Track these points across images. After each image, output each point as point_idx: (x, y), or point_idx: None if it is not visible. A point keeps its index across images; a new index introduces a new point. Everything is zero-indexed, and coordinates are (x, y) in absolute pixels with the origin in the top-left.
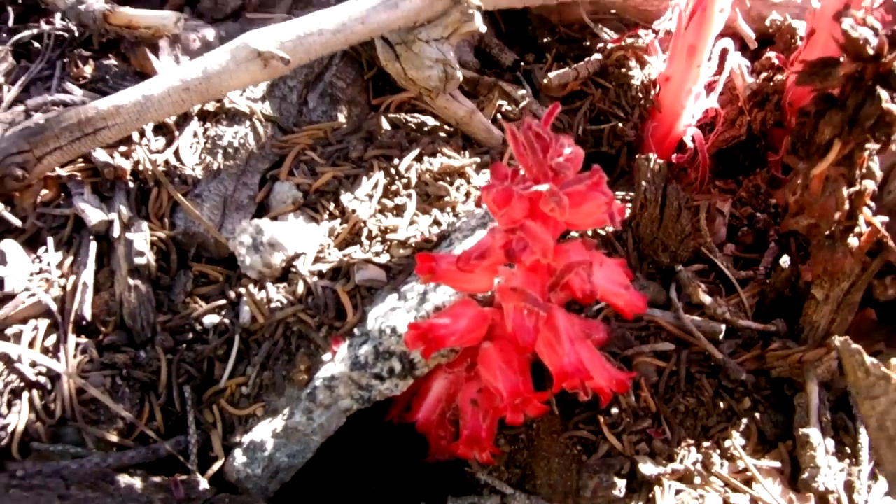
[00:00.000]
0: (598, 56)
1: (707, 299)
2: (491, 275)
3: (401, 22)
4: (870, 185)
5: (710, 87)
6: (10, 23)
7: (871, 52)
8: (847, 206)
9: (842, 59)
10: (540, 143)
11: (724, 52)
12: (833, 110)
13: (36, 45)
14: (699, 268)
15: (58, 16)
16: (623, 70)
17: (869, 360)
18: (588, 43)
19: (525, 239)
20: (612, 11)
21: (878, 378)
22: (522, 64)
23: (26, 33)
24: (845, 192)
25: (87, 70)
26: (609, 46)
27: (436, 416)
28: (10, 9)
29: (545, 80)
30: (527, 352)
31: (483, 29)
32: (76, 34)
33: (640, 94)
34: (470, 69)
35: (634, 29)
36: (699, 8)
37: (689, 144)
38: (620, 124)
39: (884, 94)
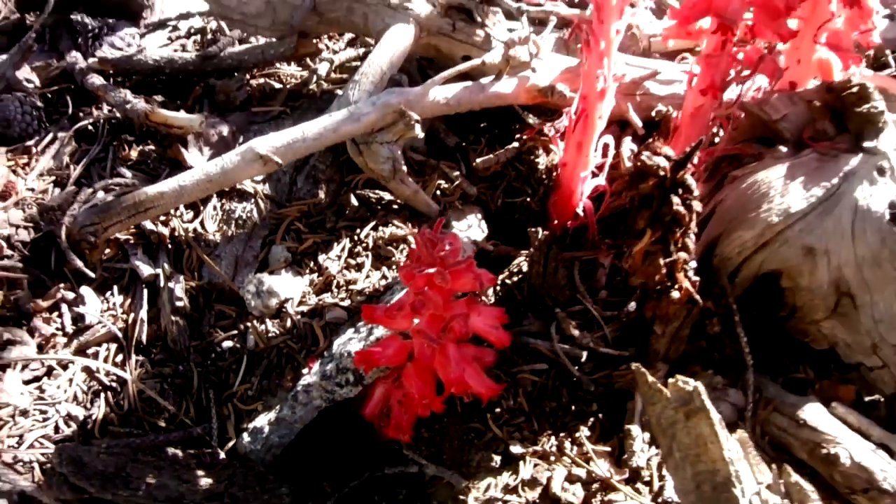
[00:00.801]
0: (515, 144)
1: (576, 332)
2: (409, 320)
3: (362, 130)
4: (682, 256)
5: (599, 169)
6: (70, 110)
7: (662, 172)
8: (665, 271)
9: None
10: (431, 242)
11: (605, 146)
12: (643, 208)
13: (91, 129)
14: (579, 308)
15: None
16: (532, 157)
17: (651, 378)
18: (516, 126)
19: (424, 300)
20: None
21: (656, 391)
22: (464, 144)
23: (84, 122)
24: (662, 262)
25: (133, 154)
26: (524, 138)
27: (378, 410)
28: (68, 98)
29: (474, 164)
30: (430, 370)
31: (421, 135)
32: (122, 120)
33: (544, 176)
34: (419, 152)
35: (542, 124)
36: (583, 115)
37: (582, 214)
38: (529, 199)
39: (675, 199)
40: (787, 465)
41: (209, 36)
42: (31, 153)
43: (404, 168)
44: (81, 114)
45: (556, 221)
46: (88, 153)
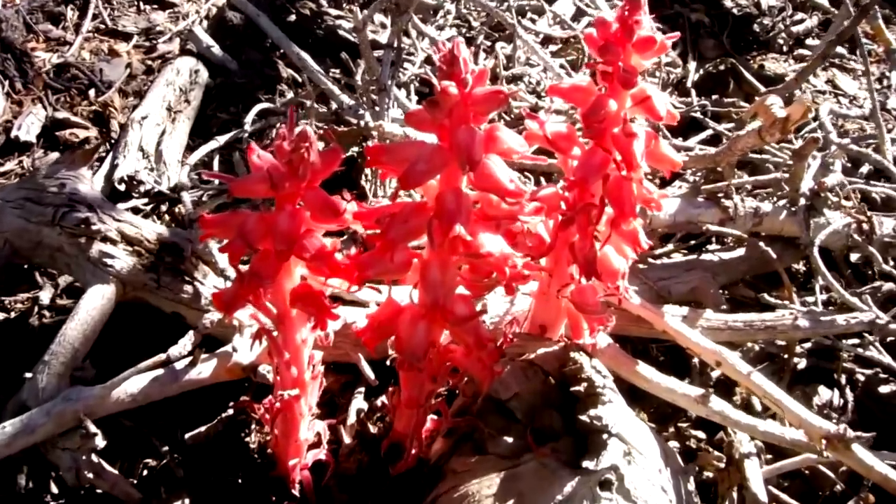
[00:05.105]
0: (230, 412)
1: None
2: None
3: (40, 440)
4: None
5: (319, 441)
6: None
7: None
8: None
9: None
10: None
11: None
12: None
13: None
14: None
15: None
16: (243, 434)
17: None
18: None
19: None
20: None
21: None
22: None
23: None
24: None
25: None
26: (235, 405)
27: None
28: None
29: (184, 437)
30: None
31: (102, 445)
32: None
33: (257, 454)
34: (130, 419)
35: (250, 402)
36: (285, 410)
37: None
38: (241, 478)
39: None
40: None
41: None
42: None
43: (90, 475)
44: None
45: (274, 498)
46: None
